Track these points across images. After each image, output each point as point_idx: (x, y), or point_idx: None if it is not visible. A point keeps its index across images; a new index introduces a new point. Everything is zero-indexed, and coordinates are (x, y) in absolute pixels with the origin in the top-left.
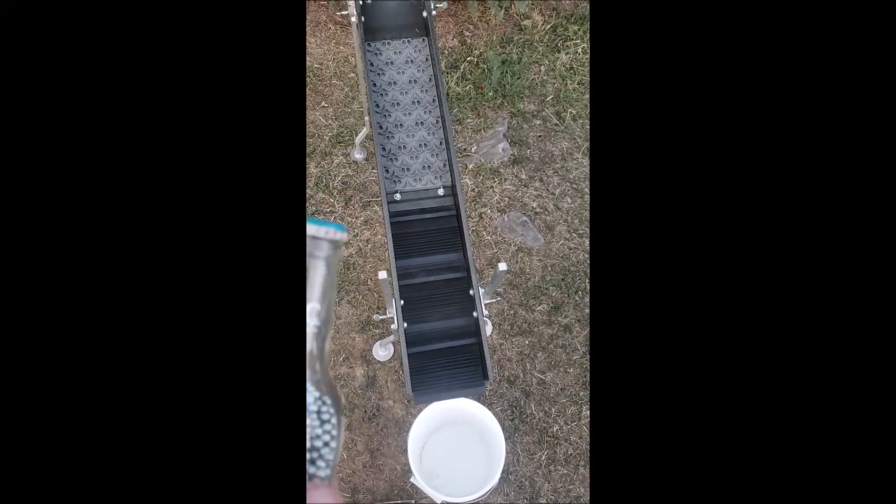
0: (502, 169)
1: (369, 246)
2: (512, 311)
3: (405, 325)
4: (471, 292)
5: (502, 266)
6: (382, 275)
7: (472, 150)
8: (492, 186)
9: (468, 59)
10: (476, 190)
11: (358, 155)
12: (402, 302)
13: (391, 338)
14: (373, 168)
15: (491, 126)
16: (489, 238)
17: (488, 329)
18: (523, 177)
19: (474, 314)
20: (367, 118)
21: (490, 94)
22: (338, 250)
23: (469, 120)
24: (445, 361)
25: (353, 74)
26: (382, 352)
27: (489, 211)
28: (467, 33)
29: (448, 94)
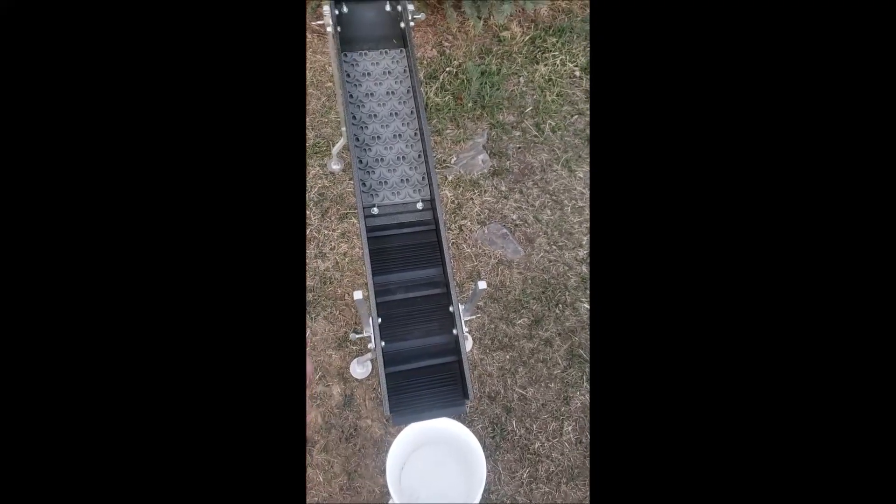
0: (482, 180)
1: (346, 259)
2: (492, 326)
3: (383, 343)
4: (450, 309)
5: (482, 284)
6: (358, 295)
7: (452, 161)
8: (472, 198)
9: (447, 69)
10: (456, 202)
11: (335, 166)
12: (380, 320)
13: (369, 355)
14: (350, 179)
15: (470, 137)
16: (469, 251)
17: (469, 344)
18: (503, 188)
19: (454, 332)
20: (343, 129)
21: (469, 104)
22: None
23: (448, 131)
24: (424, 381)
25: (330, 84)
26: (360, 369)
27: (469, 223)
28: (446, 44)
29: (427, 105)
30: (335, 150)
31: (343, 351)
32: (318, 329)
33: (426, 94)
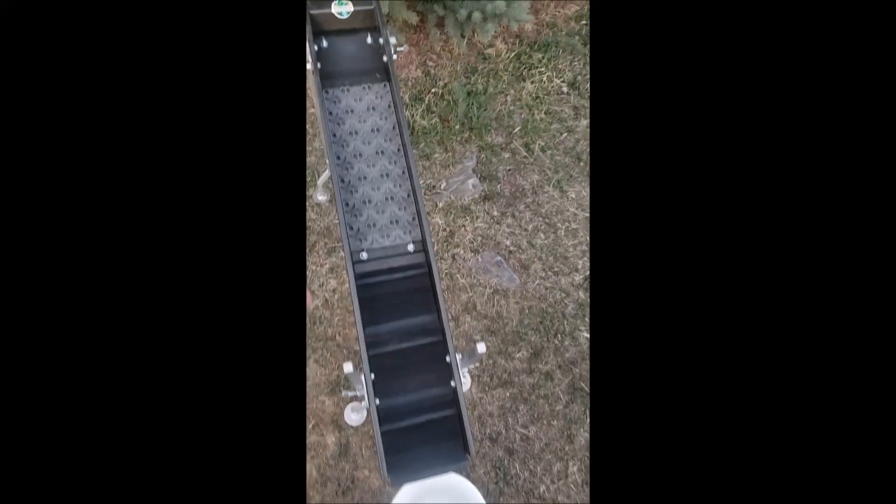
0: (473, 206)
1: (336, 296)
2: (491, 361)
3: (377, 401)
4: (447, 359)
5: (481, 348)
6: (348, 367)
7: (442, 186)
8: (463, 225)
9: (433, 90)
10: (447, 229)
11: (321, 196)
12: (373, 375)
13: (364, 402)
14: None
15: (459, 161)
16: (463, 281)
17: (466, 383)
18: (495, 213)
19: (452, 383)
20: (328, 161)
21: (457, 126)
22: None
23: (437, 155)
24: (422, 437)
25: (312, 109)
26: (355, 416)
27: (462, 251)
28: (430, 63)
29: (414, 129)
30: (320, 181)
31: (336, 396)
32: (308, 374)
33: (412, 116)
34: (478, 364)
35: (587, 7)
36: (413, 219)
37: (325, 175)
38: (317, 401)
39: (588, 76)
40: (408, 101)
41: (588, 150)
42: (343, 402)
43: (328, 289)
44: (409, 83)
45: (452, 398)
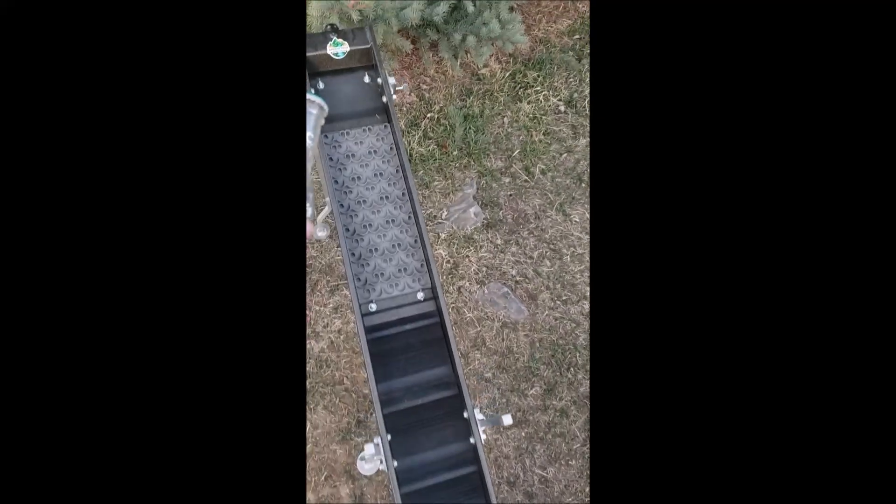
0: (476, 235)
1: (342, 337)
2: (504, 399)
3: (395, 463)
4: (465, 414)
5: (507, 420)
6: (370, 449)
7: (443, 216)
8: (467, 255)
9: (428, 115)
10: (451, 261)
11: (320, 233)
12: (389, 437)
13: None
14: (338, 247)
15: (459, 188)
16: (470, 315)
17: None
18: (499, 242)
19: (471, 440)
20: (327, 199)
21: (455, 152)
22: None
23: (436, 183)
24: (442, 496)
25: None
26: (368, 465)
27: (467, 283)
28: (424, 87)
29: (411, 156)
30: (321, 217)
31: (348, 444)
32: (318, 421)
33: (409, 143)
34: (491, 414)
35: (580, 22)
36: (421, 266)
37: (326, 211)
38: (328, 450)
39: (585, 93)
40: (404, 127)
41: (588, 170)
42: (357, 440)
43: (333, 329)
44: (404, 108)
45: (472, 455)
